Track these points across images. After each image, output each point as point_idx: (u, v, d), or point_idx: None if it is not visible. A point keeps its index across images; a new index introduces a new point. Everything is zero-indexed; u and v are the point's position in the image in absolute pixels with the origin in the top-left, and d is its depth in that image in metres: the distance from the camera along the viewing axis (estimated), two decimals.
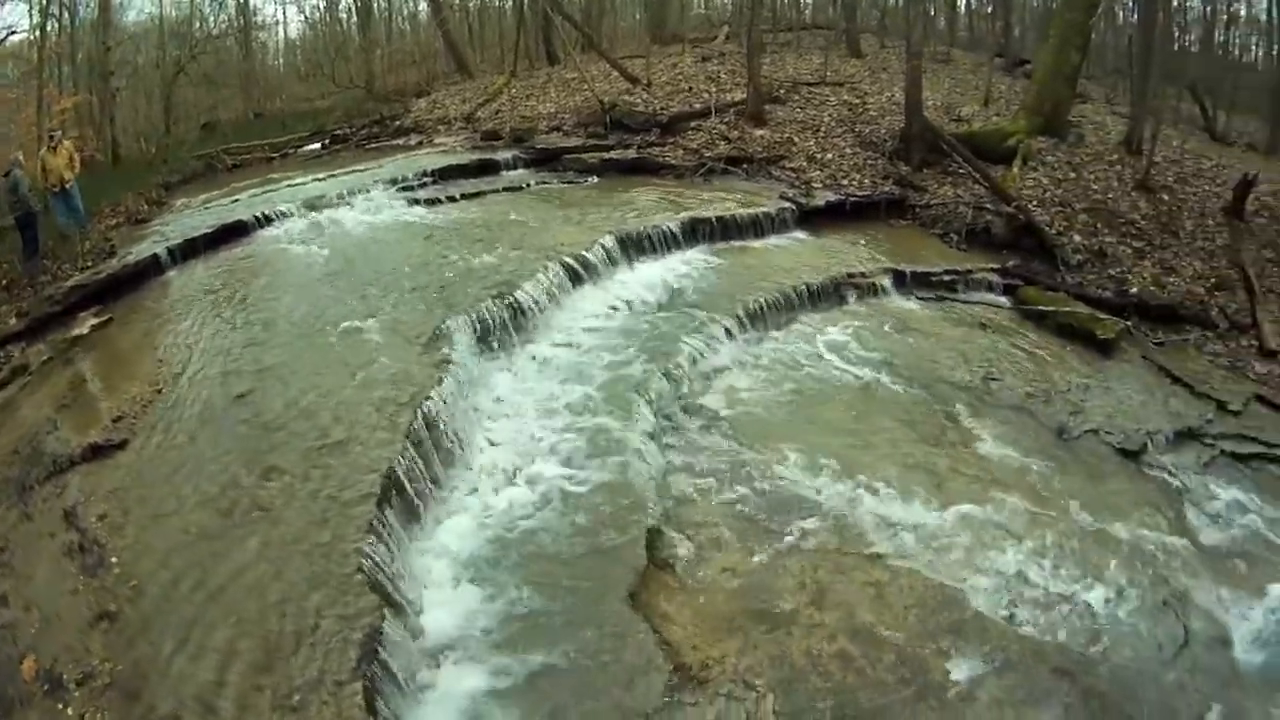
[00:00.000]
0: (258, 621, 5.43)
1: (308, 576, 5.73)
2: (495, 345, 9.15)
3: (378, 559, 5.78)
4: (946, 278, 12.31)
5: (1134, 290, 12.35)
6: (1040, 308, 11.67)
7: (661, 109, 19.42)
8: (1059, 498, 8.66)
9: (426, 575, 6.32)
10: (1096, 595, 7.66)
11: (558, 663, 5.68)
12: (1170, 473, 9.88)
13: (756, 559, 6.93)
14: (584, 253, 11.17)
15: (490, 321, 9.24)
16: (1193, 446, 10.42)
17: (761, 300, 10.90)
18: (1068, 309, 11.58)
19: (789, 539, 7.21)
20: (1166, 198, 14.69)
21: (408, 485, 6.55)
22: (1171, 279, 12.82)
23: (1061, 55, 17.02)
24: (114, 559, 6.17)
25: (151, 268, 11.43)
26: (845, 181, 15.45)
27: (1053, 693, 6.62)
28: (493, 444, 7.85)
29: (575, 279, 10.71)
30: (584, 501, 7.11)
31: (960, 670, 6.43)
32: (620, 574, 6.42)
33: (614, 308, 10.60)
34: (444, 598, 6.12)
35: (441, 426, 7.37)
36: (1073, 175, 15.09)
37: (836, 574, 6.92)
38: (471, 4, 36.44)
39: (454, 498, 7.18)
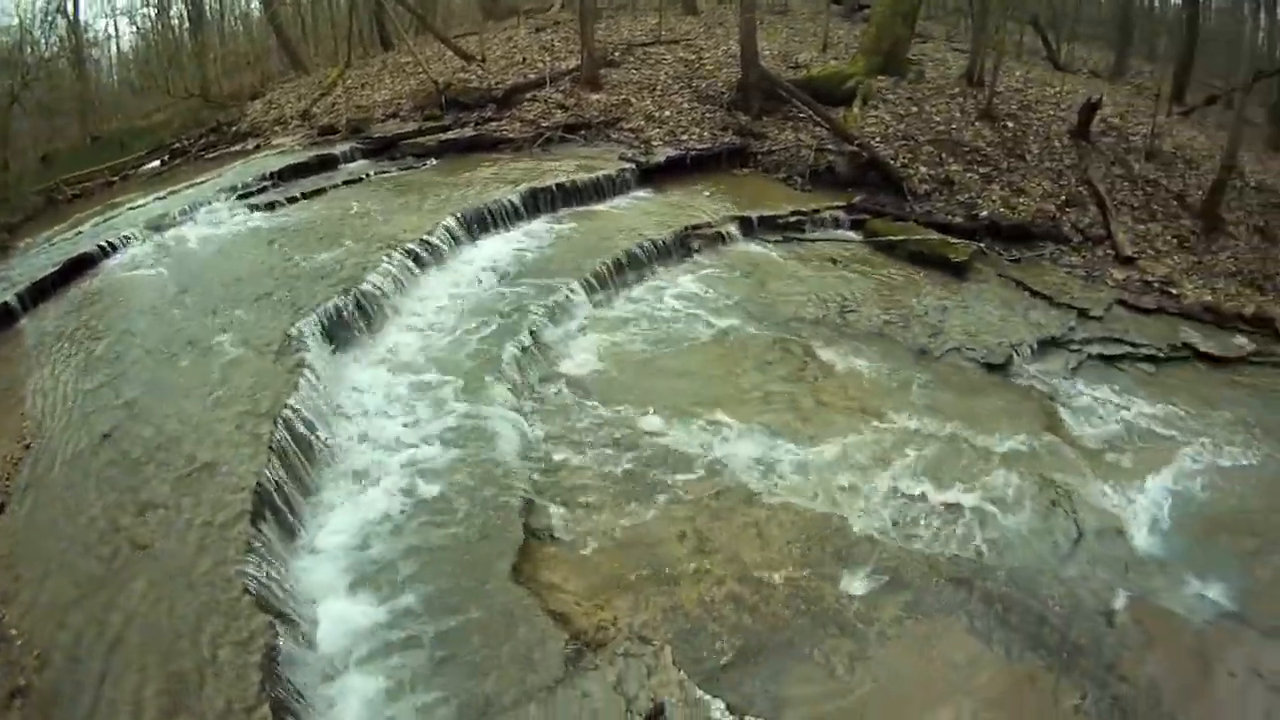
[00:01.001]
0: (160, 664, 5.55)
1: (198, 608, 5.88)
2: (347, 341, 9.46)
3: (261, 577, 5.99)
4: (793, 219, 13.12)
5: (984, 213, 13.45)
6: (890, 238, 12.66)
7: (497, 84, 19.78)
8: (928, 416, 9.42)
9: (313, 584, 6.49)
10: (982, 504, 8.40)
11: (455, 652, 5.93)
12: (1040, 380, 10.91)
13: (635, 516, 7.33)
14: (427, 236, 11.50)
15: (339, 318, 9.52)
16: (1059, 354, 11.57)
17: (609, 261, 11.39)
18: (918, 237, 12.59)
19: (664, 492, 7.65)
20: (1011, 125, 16.02)
21: (278, 497, 6.77)
22: (1021, 200, 13.98)
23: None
24: (14, 631, 6.11)
25: (3, 317, 11.01)
26: (685, 137, 16.04)
27: (952, 602, 7.21)
28: (358, 440, 8.07)
29: (420, 264, 11.05)
30: (456, 485, 7.39)
31: (854, 593, 6.97)
32: (501, 552, 6.71)
33: (461, 287, 10.96)
34: (334, 604, 6.31)
35: (303, 431, 7.61)
36: (915, 110, 16.25)
37: (716, 520, 7.38)
38: None
39: (327, 500, 7.35)
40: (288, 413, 7.54)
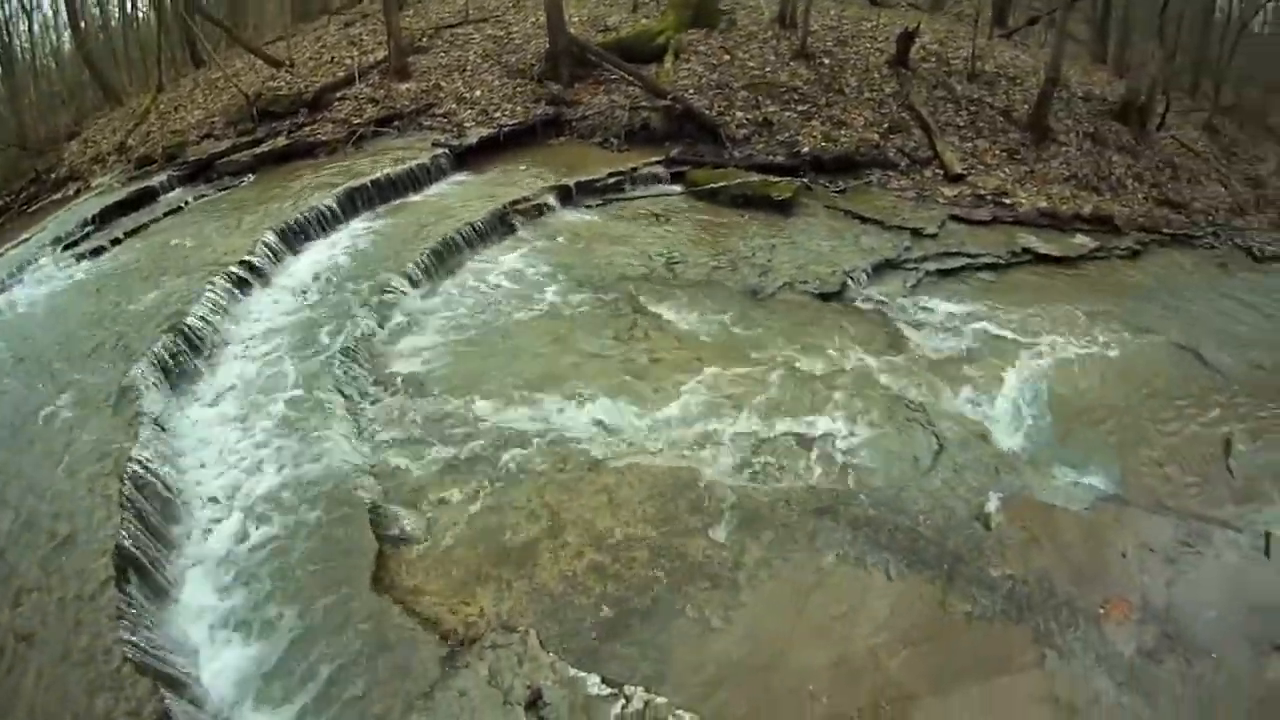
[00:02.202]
0: None
1: (86, 686, 5.76)
2: (182, 379, 9.23)
3: (139, 641, 5.91)
4: (612, 181, 13.24)
5: (806, 149, 13.82)
6: (711, 186, 12.87)
7: (307, 87, 19.42)
8: (766, 354, 9.64)
9: (189, 638, 6.42)
10: (834, 432, 8.63)
11: (337, 676, 5.93)
12: (878, 303, 11.30)
13: (483, 504, 7.32)
14: (248, 257, 11.28)
15: (171, 357, 9.26)
16: (896, 275, 12.04)
17: (429, 251, 11.28)
18: (740, 180, 12.84)
19: (510, 475, 7.63)
20: (827, 61, 16.54)
21: (140, 555, 6.64)
22: (843, 132, 14.41)
23: None
24: None
25: None
26: (498, 114, 16.00)
27: (819, 532, 7.37)
28: (207, 480, 7.89)
29: (244, 286, 10.80)
30: (305, 508, 7.32)
31: (717, 542, 7.08)
32: (359, 566, 6.70)
33: (287, 302, 10.76)
34: (213, 654, 6.27)
35: (152, 481, 7.43)
36: (728, 58, 16.60)
37: (565, 493, 7.41)
38: (113, 21, 34.77)
39: (187, 549, 7.19)
40: (134, 466, 7.41)
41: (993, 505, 8.28)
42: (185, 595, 6.75)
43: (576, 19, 19.36)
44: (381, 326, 9.88)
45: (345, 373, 8.89)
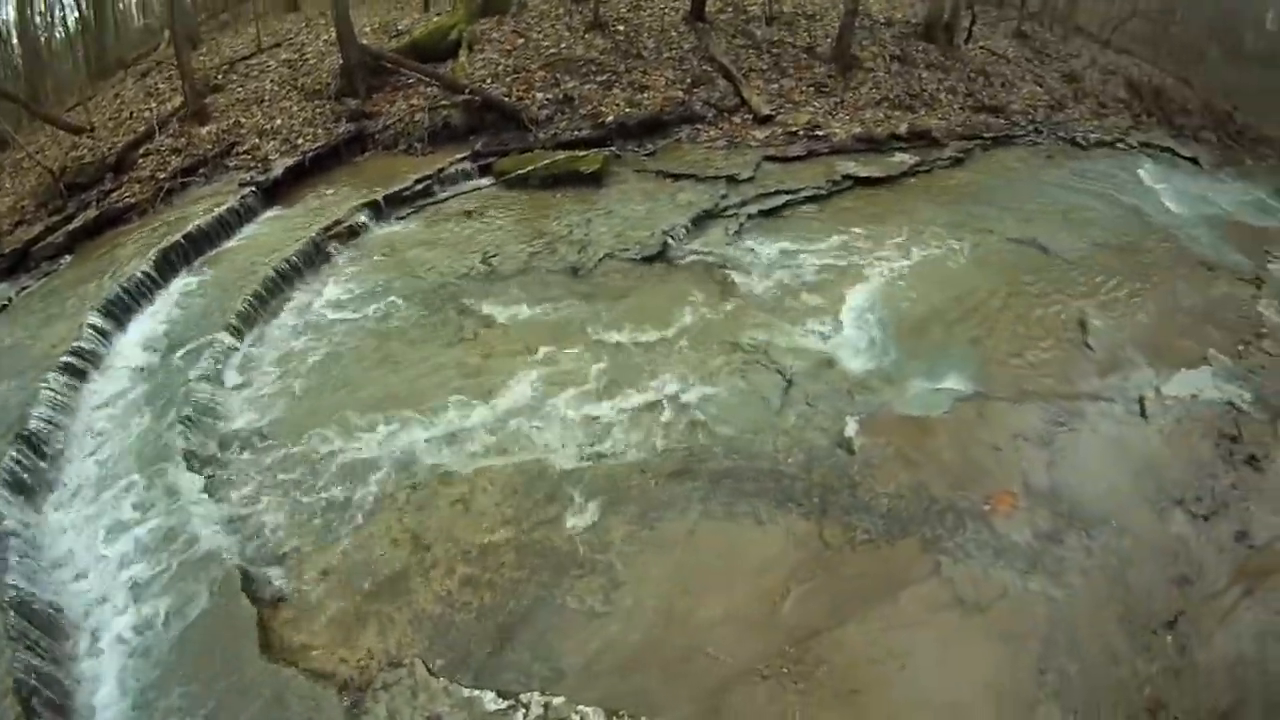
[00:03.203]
0: None
1: None
2: (35, 487, 8.77)
3: None
4: (420, 187, 13.34)
5: (610, 119, 13.88)
6: (519, 172, 12.96)
7: (110, 149, 18.66)
8: (598, 328, 9.86)
9: None
10: (678, 392, 8.88)
11: None
12: (702, 255, 11.59)
13: (348, 543, 7.31)
14: (76, 344, 10.73)
15: (19, 469, 8.79)
16: (717, 224, 12.40)
17: (249, 297, 11.04)
18: (546, 161, 13.07)
19: (366, 508, 7.64)
20: (622, 28, 16.81)
21: (38, 683, 6.45)
22: (646, 95, 14.68)
23: None
24: None
25: None
26: (300, 141, 15.77)
27: (680, 494, 7.61)
28: (81, 589, 7.59)
29: (78, 375, 10.31)
30: (180, 589, 7.15)
31: (581, 528, 7.27)
32: (244, 635, 6.61)
33: (122, 383, 10.35)
34: None
35: (27, 600, 7.23)
36: (521, 42, 16.71)
37: (423, 512, 7.47)
38: None
39: (82, 662, 6.94)
40: (11, 593, 7.15)
41: (852, 429, 8.60)
42: (96, 701, 6.57)
43: (368, 28, 19.20)
44: (216, 384, 9.69)
45: (189, 443, 8.70)
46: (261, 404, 9.18)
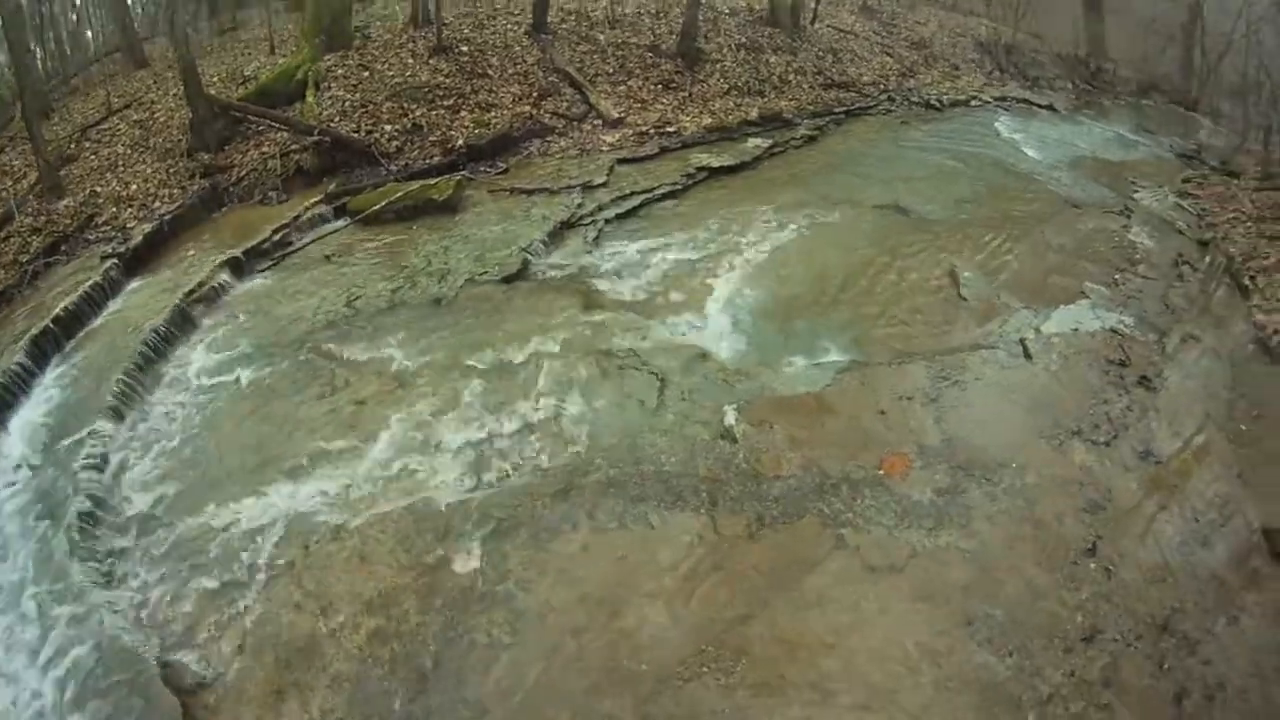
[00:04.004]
0: None
1: None
2: None
3: None
4: (278, 236, 12.99)
5: (460, 142, 13.68)
6: (374, 209, 12.83)
7: None
8: (466, 357, 9.71)
9: None
10: (555, 410, 8.85)
11: None
12: (563, 266, 11.57)
13: (254, 616, 7.11)
14: None
15: None
16: (575, 234, 12.36)
17: (121, 377, 10.55)
18: (400, 194, 12.87)
19: (265, 576, 7.44)
20: (466, 49, 16.62)
21: None
22: (494, 114, 14.57)
23: None
24: None
25: None
26: (157, 204, 15.25)
27: (568, 515, 7.55)
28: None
29: None
30: (100, 694, 6.87)
31: (474, 562, 7.21)
32: None
33: (6, 489, 9.72)
34: None
35: None
36: (367, 75, 16.40)
37: (321, 571, 7.31)
38: None
39: None
40: None
41: (731, 419, 8.64)
42: None
43: (216, 77, 18.64)
44: (102, 472, 9.26)
45: (86, 539, 8.33)
46: (150, 485, 8.86)
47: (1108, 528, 7.47)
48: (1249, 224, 13.52)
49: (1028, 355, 9.68)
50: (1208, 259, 12.48)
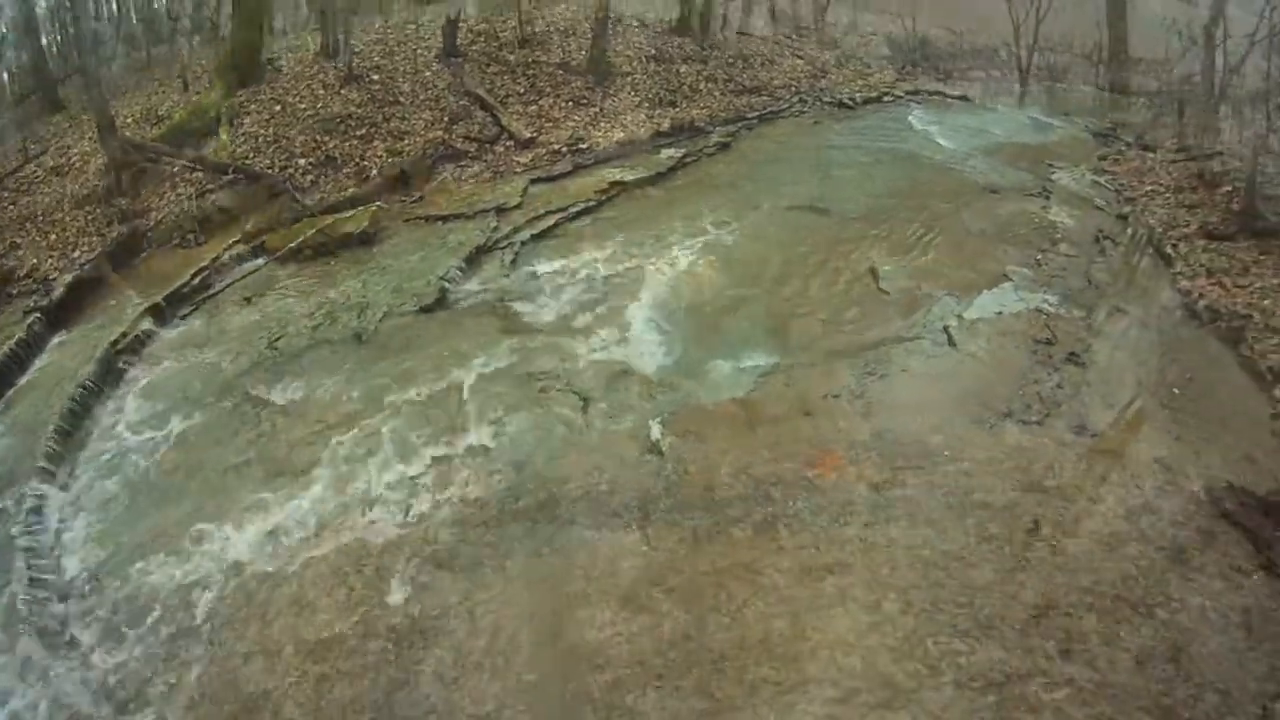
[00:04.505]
0: None
1: None
2: None
3: None
4: (197, 281, 12.88)
5: (373, 172, 13.64)
6: (290, 245, 12.82)
7: None
8: (390, 393, 9.75)
9: None
10: (478, 440, 8.91)
11: None
12: (481, 291, 11.64)
13: (204, 671, 7.04)
14: None
15: None
16: (492, 257, 12.40)
17: (51, 435, 10.23)
18: (316, 229, 12.92)
19: (209, 630, 7.37)
20: (377, 77, 16.59)
21: None
22: (406, 141, 14.50)
23: (244, 3, 18.10)
24: None
25: None
26: (77, 253, 14.98)
27: (502, 544, 7.61)
28: None
29: None
30: None
31: (413, 597, 7.23)
32: None
33: None
34: None
35: None
36: (279, 108, 16.27)
37: (262, 621, 7.28)
38: None
39: None
40: None
41: (657, 432, 8.72)
42: None
43: (130, 118, 18.34)
44: (41, 537, 9.03)
45: (29, 607, 8.13)
46: (91, 545, 8.73)
47: (1049, 505, 7.63)
48: (1168, 195, 13.90)
49: (952, 343, 9.88)
50: (1129, 232, 12.83)
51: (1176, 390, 9.23)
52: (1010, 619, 6.58)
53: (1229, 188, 13.33)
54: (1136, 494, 7.80)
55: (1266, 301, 10.51)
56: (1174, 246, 12.10)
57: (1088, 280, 11.31)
